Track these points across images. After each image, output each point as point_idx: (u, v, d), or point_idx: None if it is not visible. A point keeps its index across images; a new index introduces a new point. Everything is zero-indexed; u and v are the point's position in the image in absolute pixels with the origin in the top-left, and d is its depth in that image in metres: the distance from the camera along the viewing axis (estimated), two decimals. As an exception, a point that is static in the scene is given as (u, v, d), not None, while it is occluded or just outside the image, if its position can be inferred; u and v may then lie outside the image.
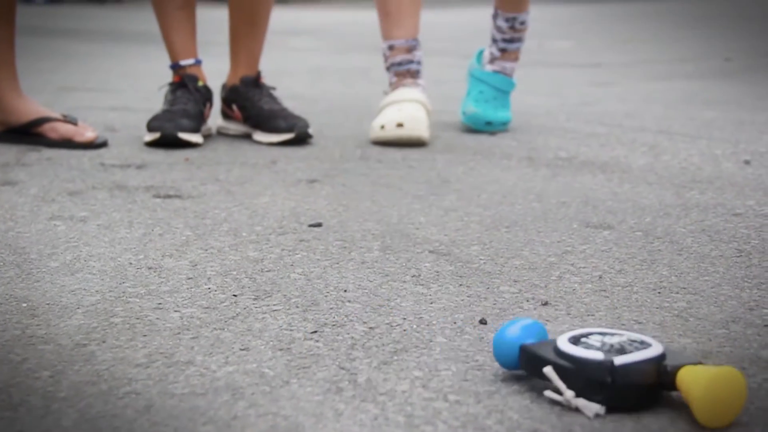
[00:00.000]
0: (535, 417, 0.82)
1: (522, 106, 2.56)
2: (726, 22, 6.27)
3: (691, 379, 0.80)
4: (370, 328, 1.03)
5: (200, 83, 2.16)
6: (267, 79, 2.26)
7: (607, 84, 3.44)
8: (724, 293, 1.15)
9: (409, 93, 2.20)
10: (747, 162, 1.94)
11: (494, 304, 1.12)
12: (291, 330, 1.03)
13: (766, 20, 5.93)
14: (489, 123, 2.29)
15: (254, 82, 2.20)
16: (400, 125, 2.12)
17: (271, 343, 0.99)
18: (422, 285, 1.18)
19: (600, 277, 1.21)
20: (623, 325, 1.05)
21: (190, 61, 2.17)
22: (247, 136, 2.21)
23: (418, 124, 2.12)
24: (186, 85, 2.14)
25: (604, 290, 1.16)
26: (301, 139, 2.13)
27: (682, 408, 0.83)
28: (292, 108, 2.23)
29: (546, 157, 2.01)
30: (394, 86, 2.24)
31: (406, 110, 2.15)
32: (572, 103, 2.87)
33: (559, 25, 6.53)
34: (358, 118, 2.47)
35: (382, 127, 2.13)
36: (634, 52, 4.72)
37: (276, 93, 2.24)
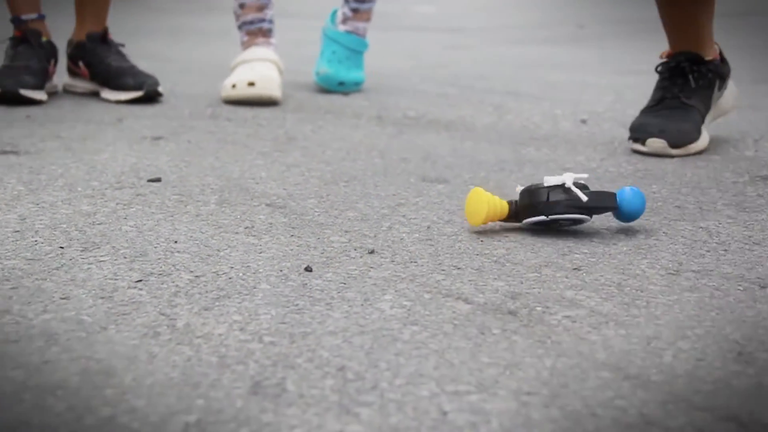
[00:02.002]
0: (344, 355, 0.86)
1: (377, 68, 2.60)
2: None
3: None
4: (196, 276, 1.05)
5: (44, 39, 2.10)
6: (121, 38, 2.22)
7: (463, 47, 3.51)
8: (543, 241, 1.21)
9: (260, 52, 2.19)
10: (583, 121, 2.02)
11: (322, 252, 1.14)
12: (115, 279, 1.03)
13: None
14: (341, 83, 2.31)
15: (101, 38, 2.16)
16: (251, 84, 2.12)
17: (93, 291, 0.99)
18: (254, 236, 1.20)
19: (428, 227, 1.26)
20: (443, 270, 1.09)
21: (33, 15, 2.10)
22: (95, 94, 2.17)
23: (269, 83, 2.13)
24: (28, 41, 2.08)
25: (430, 239, 1.21)
26: (150, 97, 2.10)
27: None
28: (146, 68, 2.19)
29: (394, 116, 2.05)
30: (245, 45, 2.23)
31: (258, 69, 2.15)
32: (427, 65, 2.93)
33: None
34: (213, 78, 2.45)
35: (234, 86, 2.13)
36: (493, 18, 4.82)
37: (126, 50, 2.20)
